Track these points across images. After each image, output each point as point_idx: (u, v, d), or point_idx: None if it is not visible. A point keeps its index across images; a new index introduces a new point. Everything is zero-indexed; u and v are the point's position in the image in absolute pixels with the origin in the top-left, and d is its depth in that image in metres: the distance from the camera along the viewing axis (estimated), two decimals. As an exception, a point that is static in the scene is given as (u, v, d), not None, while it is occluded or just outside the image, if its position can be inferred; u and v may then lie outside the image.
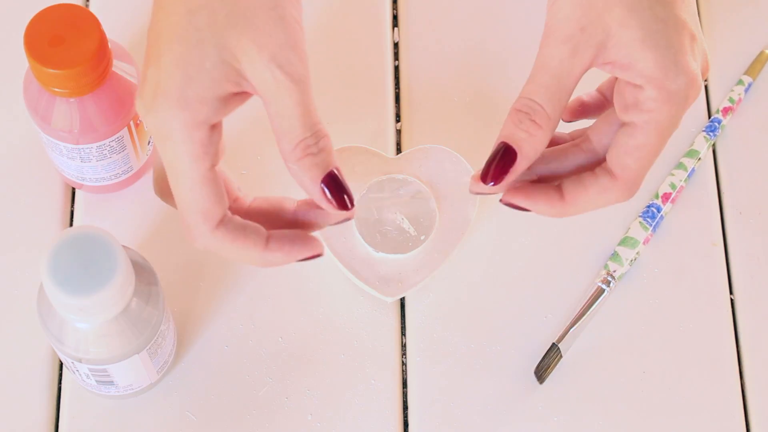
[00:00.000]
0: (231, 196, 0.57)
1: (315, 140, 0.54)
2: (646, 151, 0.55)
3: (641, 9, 0.54)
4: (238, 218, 0.55)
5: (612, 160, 0.56)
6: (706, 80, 0.56)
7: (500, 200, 0.57)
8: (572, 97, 0.58)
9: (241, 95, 0.54)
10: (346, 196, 0.55)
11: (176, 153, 0.53)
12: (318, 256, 0.56)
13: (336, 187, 0.55)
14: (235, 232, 0.55)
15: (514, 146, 0.55)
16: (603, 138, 0.58)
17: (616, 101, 0.56)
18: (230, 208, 0.56)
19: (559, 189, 0.57)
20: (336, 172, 0.54)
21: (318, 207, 0.56)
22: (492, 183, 0.56)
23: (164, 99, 0.52)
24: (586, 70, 0.55)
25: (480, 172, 0.56)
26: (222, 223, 0.55)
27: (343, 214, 0.56)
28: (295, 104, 0.53)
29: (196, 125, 0.53)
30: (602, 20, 0.54)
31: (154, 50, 0.53)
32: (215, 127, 0.54)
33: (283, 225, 0.57)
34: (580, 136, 0.59)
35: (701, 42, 0.55)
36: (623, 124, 0.55)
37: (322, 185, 0.54)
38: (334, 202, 0.55)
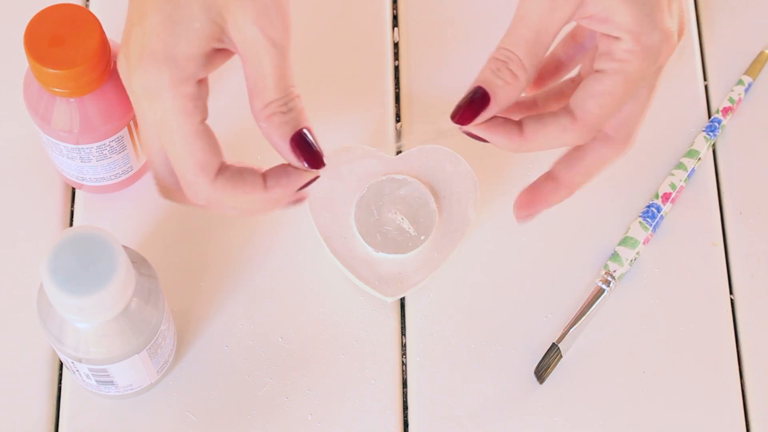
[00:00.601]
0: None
1: (286, 101, 0.55)
2: (610, 98, 0.56)
3: None
4: (234, 165, 0.57)
5: (575, 102, 0.57)
6: (681, 39, 0.57)
7: (459, 128, 0.58)
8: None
9: (224, 52, 0.56)
10: (316, 154, 0.56)
11: (167, 109, 0.54)
12: (316, 178, 0.57)
13: (305, 144, 0.56)
14: (234, 179, 0.56)
15: (489, 92, 0.56)
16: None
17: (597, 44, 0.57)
18: None
19: (519, 124, 0.57)
20: (306, 130, 0.56)
21: (285, 171, 0.57)
22: (461, 123, 0.57)
23: (152, 57, 0.54)
24: (564, 24, 0.56)
25: (452, 111, 0.57)
26: (220, 172, 0.56)
27: (313, 172, 0.57)
28: (272, 66, 0.55)
29: (185, 81, 0.54)
30: None
31: (138, 10, 0.55)
32: (202, 82, 0.55)
33: (255, 188, 0.58)
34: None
35: (677, 3, 0.56)
36: (593, 71, 0.57)
37: (292, 143, 0.55)
38: (303, 160, 0.56)
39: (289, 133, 0.55)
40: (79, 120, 0.64)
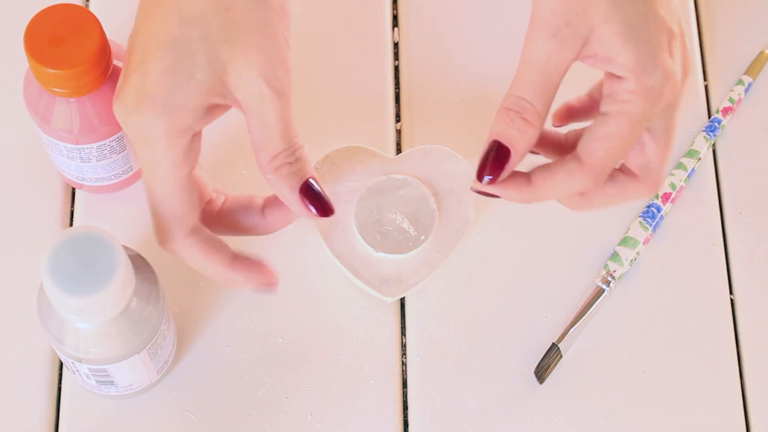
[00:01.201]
0: (204, 198, 0.60)
1: (291, 151, 0.55)
2: (616, 140, 0.56)
3: (625, 4, 0.55)
4: (207, 231, 0.58)
5: (581, 146, 0.57)
6: (686, 77, 0.58)
7: (470, 188, 0.59)
8: (562, 101, 0.60)
9: (222, 107, 0.55)
10: (324, 203, 0.57)
11: (157, 158, 0.54)
12: (273, 287, 0.59)
13: (314, 194, 0.56)
14: (205, 244, 0.57)
15: (507, 144, 0.57)
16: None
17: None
18: (203, 210, 0.59)
19: (527, 176, 0.58)
20: (312, 181, 0.56)
21: (283, 206, 0.58)
22: (489, 180, 0.57)
23: (150, 104, 0.53)
24: (571, 64, 0.56)
25: (476, 170, 0.58)
26: (193, 231, 0.57)
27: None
28: (276, 118, 0.55)
29: (180, 132, 0.54)
30: (587, 15, 0.55)
31: (139, 56, 0.54)
32: (196, 135, 0.55)
33: (252, 222, 0.60)
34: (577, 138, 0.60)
35: (681, 40, 0.56)
36: (599, 114, 0.57)
37: (301, 194, 0.56)
38: (313, 210, 0.56)
39: (297, 184, 0.56)
40: (79, 120, 0.64)
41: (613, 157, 0.57)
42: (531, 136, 0.56)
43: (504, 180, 0.58)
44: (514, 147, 0.57)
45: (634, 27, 0.55)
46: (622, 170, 0.59)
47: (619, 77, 0.56)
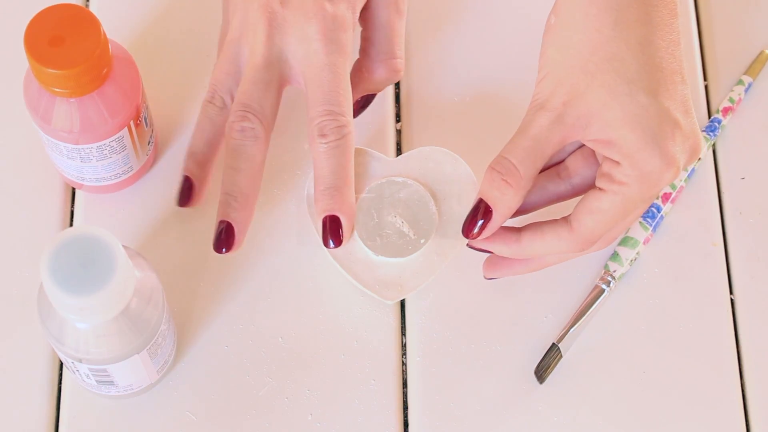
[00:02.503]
0: None
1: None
2: (607, 216, 0.59)
3: (621, 94, 0.57)
4: None
5: (574, 214, 0.60)
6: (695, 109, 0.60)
7: (467, 244, 0.64)
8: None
9: None
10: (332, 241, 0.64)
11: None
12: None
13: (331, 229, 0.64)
14: None
15: (490, 204, 0.60)
16: (579, 171, 0.62)
17: (600, 164, 0.60)
18: None
19: (518, 232, 0.62)
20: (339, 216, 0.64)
21: None
22: (470, 237, 0.62)
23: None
24: (565, 139, 0.59)
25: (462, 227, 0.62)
26: None
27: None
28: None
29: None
30: (585, 99, 0.58)
31: None
32: None
33: None
34: (561, 163, 0.63)
35: (687, 129, 0.58)
36: (596, 187, 0.59)
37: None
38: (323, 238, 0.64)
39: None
40: (79, 120, 0.64)
41: (602, 230, 0.60)
42: (512, 199, 0.60)
43: (493, 236, 0.62)
44: (495, 207, 0.60)
45: (634, 115, 0.57)
46: (565, 218, 0.61)
47: (617, 161, 0.58)
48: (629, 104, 0.57)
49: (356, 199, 0.67)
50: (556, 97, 0.59)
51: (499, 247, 0.62)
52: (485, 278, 0.66)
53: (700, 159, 0.73)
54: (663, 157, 0.57)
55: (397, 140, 0.74)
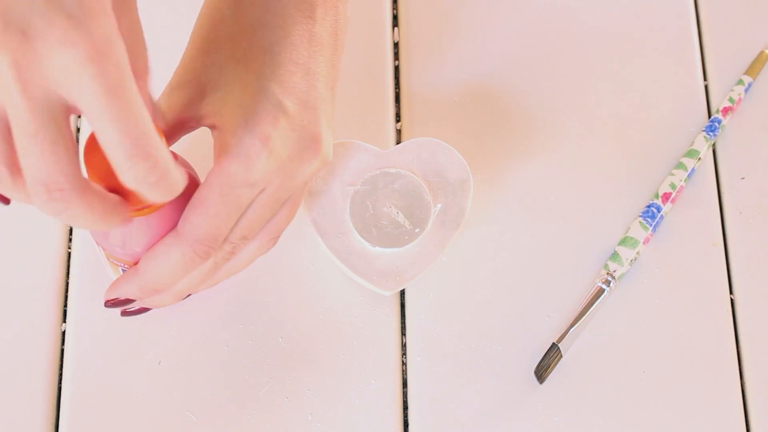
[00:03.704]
0: None
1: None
2: (207, 206, 0.55)
3: (230, 73, 0.56)
4: None
5: (180, 220, 0.56)
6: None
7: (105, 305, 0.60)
8: None
9: None
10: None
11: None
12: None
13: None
14: None
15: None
16: None
17: None
18: None
19: (136, 267, 0.58)
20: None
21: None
22: (109, 302, 0.59)
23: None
24: (188, 114, 0.56)
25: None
26: None
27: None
28: None
29: None
30: (199, 78, 0.56)
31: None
32: None
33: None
34: None
35: (298, 122, 0.56)
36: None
37: None
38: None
39: None
40: None
41: (211, 223, 0.55)
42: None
43: (114, 283, 0.58)
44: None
45: (234, 94, 0.55)
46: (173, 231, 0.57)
47: (214, 139, 0.55)
48: (233, 83, 0.55)
49: (350, 192, 0.67)
50: (175, 77, 0.56)
51: (124, 287, 0.58)
52: (122, 315, 0.62)
53: (700, 159, 0.73)
54: (254, 135, 0.54)
55: (397, 140, 0.74)
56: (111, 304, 0.59)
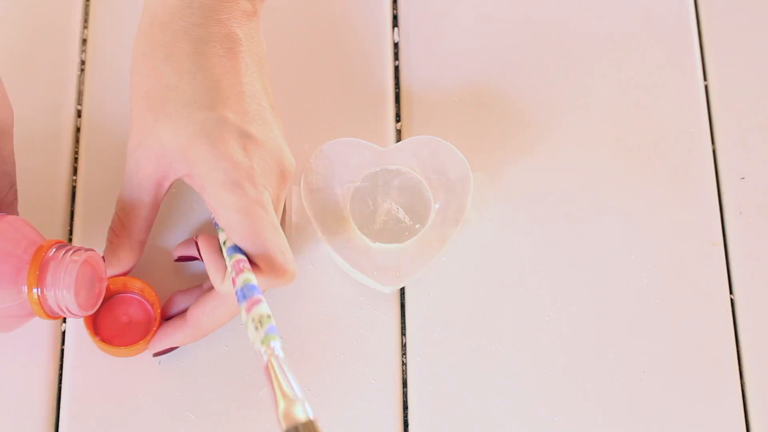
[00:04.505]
0: None
1: None
2: (236, 237, 0.61)
3: (183, 118, 0.60)
4: None
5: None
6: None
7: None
8: None
9: None
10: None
11: None
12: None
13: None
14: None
15: (108, 266, 0.65)
16: None
17: None
18: None
19: (182, 316, 0.65)
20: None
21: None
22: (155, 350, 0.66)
23: None
24: (160, 181, 0.63)
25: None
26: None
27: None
28: None
29: None
30: (156, 135, 0.61)
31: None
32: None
33: None
34: None
35: (261, 137, 0.61)
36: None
37: None
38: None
39: None
40: None
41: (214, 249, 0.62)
42: (125, 251, 0.64)
43: (167, 329, 0.65)
44: (110, 264, 0.65)
45: (195, 133, 0.60)
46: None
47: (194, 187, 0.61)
48: (187, 125, 0.60)
49: (351, 188, 0.67)
50: (132, 142, 0.62)
51: (178, 337, 0.65)
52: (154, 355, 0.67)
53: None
54: (228, 162, 0.59)
55: (397, 140, 0.74)
56: (160, 353, 0.66)
